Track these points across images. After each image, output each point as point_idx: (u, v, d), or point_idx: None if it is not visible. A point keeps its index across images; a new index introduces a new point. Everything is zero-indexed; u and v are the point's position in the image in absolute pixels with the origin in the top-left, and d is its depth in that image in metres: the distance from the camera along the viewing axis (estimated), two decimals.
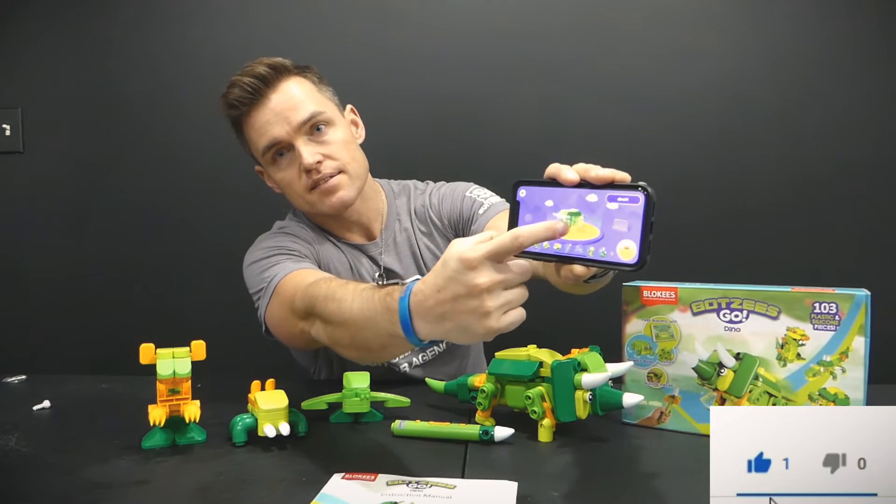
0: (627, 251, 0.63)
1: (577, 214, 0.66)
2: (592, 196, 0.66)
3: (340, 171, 1.10)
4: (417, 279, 0.69)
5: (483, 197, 1.18)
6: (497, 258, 0.62)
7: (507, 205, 1.08)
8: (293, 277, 1.01)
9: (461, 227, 1.20)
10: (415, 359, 1.20)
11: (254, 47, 1.62)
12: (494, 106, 1.57)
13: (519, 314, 0.64)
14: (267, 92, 1.07)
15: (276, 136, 1.06)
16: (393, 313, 0.69)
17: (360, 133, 1.21)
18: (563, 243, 0.66)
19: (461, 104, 1.58)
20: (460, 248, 0.63)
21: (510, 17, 1.58)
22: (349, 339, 0.80)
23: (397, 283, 0.73)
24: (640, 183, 0.64)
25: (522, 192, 0.69)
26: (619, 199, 0.64)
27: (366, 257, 1.19)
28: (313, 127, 1.08)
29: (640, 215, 0.62)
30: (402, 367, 1.20)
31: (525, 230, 0.63)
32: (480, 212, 1.15)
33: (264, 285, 1.06)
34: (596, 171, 0.66)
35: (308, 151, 1.07)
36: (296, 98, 1.07)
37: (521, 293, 0.64)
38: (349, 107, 1.21)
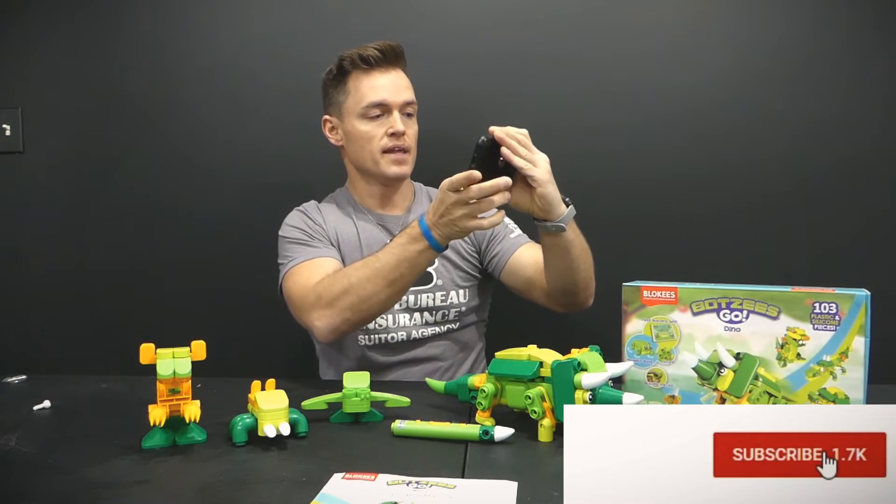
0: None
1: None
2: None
3: (408, 153, 1.32)
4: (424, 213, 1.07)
5: (513, 225, 1.36)
6: (454, 188, 1.00)
7: (528, 239, 1.32)
8: (304, 273, 1.22)
9: (485, 239, 1.35)
10: (415, 333, 1.31)
11: (257, 44, 1.62)
12: (493, 101, 1.56)
13: (481, 223, 1.02)
14: (394, 64, 1.30)
15: (386, 98, 1.28)
16: (417, 233, 1.07)
17: None
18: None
19: (461, 99, 1.58)
20: (442, 183, 1.02)
21: (508, 12, 1.57)
22: (384, 283, 1.09)
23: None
24: (489, 131, 1.00)
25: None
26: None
27: (385, 230, 1.35)
28: (407, 110, 1.31)
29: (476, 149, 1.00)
30: (398, 336, 1.31)
31: (466, 176, 0.99)
32: (512, 236, 1.33)
33: (284, 262, 1.27)
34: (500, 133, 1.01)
35: (402, 122, 1.29)
36: (406, 83, 1.32)
37: (477, 207, 1.01)
38: None
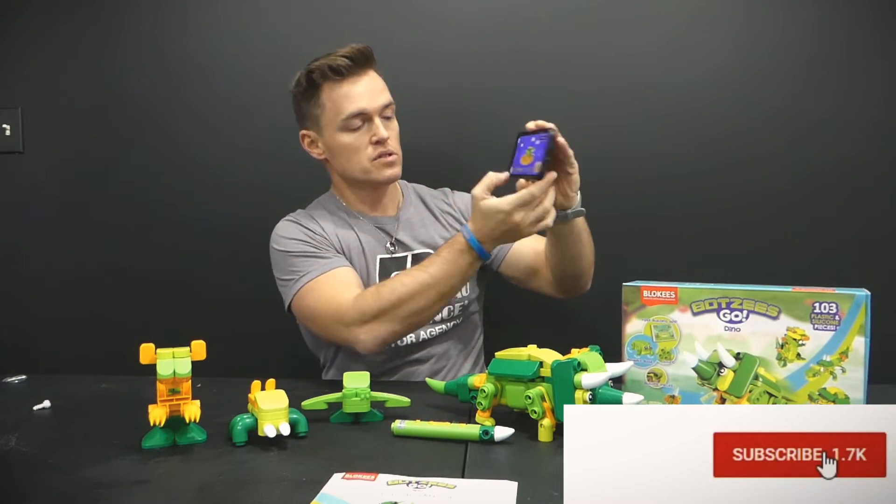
0: (535, 166, 1.03)
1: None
2: (537, 140, 1.05)
3: (396, 154, 1.31)
4: (464, 228, 1.10)
5: None
6: (524, 202, 1.03)
7: None
8: (325, 287, 1.20)
9: None
10: (423, 333, 1.30)
11: (258, 44, 1.62)
12: (493, 101, 1.56)
13: (546, 222, 1.05)
14: (365, 69, 1.26)
15: (364, 107, 1.25)
16: (466, 247, 1.09)
17: None
18: (518, 167, 1.06)
19: (460, 99, 1.58)
20: (496, 204, 1.04)
21: (508, 11, 1.57)
22: (436, 295, 1.11)
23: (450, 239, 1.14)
24: (550, 127, 1.05)
25: (521, 143, 1.08)
26: (540, 137, 1.04)
27: (382, 231, 1.35)
28: (386, 113, 1.28)
29: (544, 146, 1.03)
30: (407, 338, 1.29)
31: (536, 188, 1.03)
32: None
33: (293, 277, 1.23)
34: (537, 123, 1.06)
35: (384, 128, 1.27)
36: (381, 84, 1.29)
37: (542, 209, 1.04)
38: None
